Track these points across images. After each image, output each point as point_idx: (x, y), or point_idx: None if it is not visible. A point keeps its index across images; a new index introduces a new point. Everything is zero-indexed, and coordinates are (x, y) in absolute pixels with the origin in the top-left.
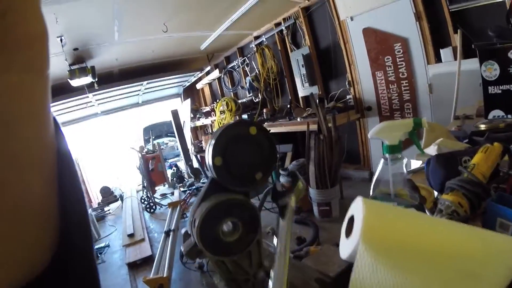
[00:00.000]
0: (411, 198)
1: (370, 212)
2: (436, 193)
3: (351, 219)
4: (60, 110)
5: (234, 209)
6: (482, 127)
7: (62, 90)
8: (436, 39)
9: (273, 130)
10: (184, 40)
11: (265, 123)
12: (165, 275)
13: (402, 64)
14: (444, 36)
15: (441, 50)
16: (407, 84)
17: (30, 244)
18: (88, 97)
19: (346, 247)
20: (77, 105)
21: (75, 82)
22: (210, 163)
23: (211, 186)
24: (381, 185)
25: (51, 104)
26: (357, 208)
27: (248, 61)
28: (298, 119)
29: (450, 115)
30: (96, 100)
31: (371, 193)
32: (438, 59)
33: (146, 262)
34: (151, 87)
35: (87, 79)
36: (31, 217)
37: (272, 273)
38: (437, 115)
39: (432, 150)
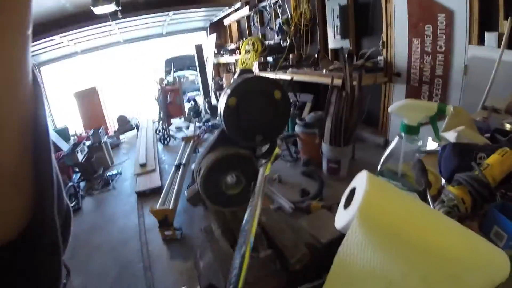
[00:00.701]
0: (417, 182)
1: (372, 190)
2: (443, 181)
3: (353, 191)
4: (82, 38)
5: (239, 163)
6: (508, 126)
7: (85, 18)
8: (483, 20)
9: (296, 77)
10: None
11: (290, 69)
12: (170, 207)
13: (442, 37)
14: (492, 19)
15: (486, 33)
16: (443, 59)
17: (4, 207)
18: (111, 25)
19: (341, 218)
20: (99, 33)
21: (98, 10)
22: (223, 104)
23: (220, 137)
24: (391, 161)
25: (74, 31)
26: (360, 181)
27: (281, 2)
28: (324, 71)
29: (479, 103)
30: (119, 29)
31: (379, 167)
32: (481, 42)
33: (155, 192)
34: (176, 19)
35: (111, 7)
36: (4, 179)
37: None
38: (466, 99)
39: (451, 136)
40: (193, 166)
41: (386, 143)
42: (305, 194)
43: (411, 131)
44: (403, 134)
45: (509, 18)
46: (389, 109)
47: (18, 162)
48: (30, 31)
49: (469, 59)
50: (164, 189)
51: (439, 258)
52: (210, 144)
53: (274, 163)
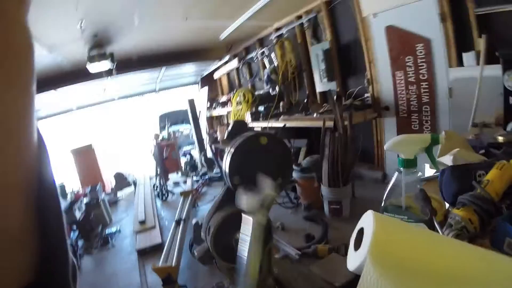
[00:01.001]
0: (422, 213)
1: (380, 228)
2: (447, 205)
3: (361, 231)
4: (77, 94)
5: None
6: (500, 139)
7: (80, 75)
8: (459, 42)
9: (288, 124)
10: (204, 30)
11: (281, 116)
12: (173, 265)
13: (423, 66)
14: (467, 40)
15: (463, 54)
16: (427, 86)
17: (8, 263)
18: (105, 82)
19: (354, 259)
20: (93, 90)
21: (93, 68)
22: (228, 180)
23: (226, 195)
24: (393, 196)
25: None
26: (367, 221)
27: (267, 53)
28: (315, 115)
29: (468, 122)
30: (113, 86)
31: (382, 203)
32: (460, 63)
33: (156, 249)
34: (168, 75)
35: (106, 65)
36: (10, 243)
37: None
38: (455, 120)
39: (448, 160)
40: (193, 221)
41: (385, 177)
42: (310, 238)
43: (409, 164)
44: (401, 168)
45: (483, 35)
46: (385, 147)
47: (22, 220)
48: (33, 87)
49: (451, 81)
50: (166, 245)
51: (456, 283)
52: (217, 202)
53: (276, 211)
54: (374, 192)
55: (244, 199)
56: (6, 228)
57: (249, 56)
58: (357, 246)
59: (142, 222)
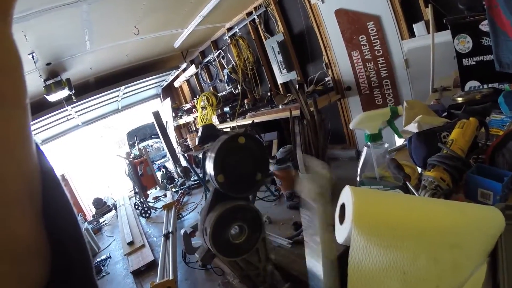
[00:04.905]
0: (395, 180)
1: (359, 199)
2: (419, 169)
3: (342, 207)
4: (40, 128)
5: (239, 213)
6: (459, 100)
7: (40, 107)
8: (408, 14)
9: (256, 119)
10: (157, 40)
11: (248, 113)
12: (171, 278)
13: (377, 42)
14: (415, 11)
15: (413, 25)
16: (384, 61)
17: (24, 274)
18: (67, 110)
19: (341, 233)
20: (56, 120)
21: (52, 97)
22: (214, 181)
23: (215, 196)
24: (367, 170)
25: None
26: (346, 196)
27: (223, 54)
28: (280, 106)
29: (428, 88)
30: (75, 112)
31: (358, 178)
32: (412, 34)
33: (150, 267)
34: (129, 91)
35: (64, 93)
36: (23, 253)
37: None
38: (416, 88)
39: (412, 128)
40: (182, 231)
41: (359, 154)
42: (298, 226)
43: (375, 138)
44: (369, 143)
45: (429, 4)
46: (350, 126)
47: (32, 228)
48: (27, 100)
49: (406, 53)
50: (160, 261)
51: (437, 235)
52: (208, 205)
53: (259, 206)
54: (351, 171)
55: (305, 187)
56: (17, 236)
57: (206, 59)
58: (342, 220)
59: (131, 243)
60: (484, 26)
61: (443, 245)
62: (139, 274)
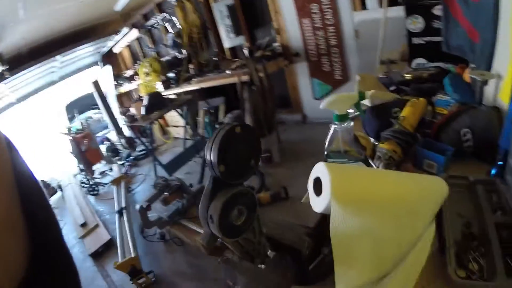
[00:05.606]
0: (358, 153)
1: (335, 176)
2: (372, 139)
3: (317, 180)
4: None
5: (239, 198)
6: (407, 76)
7: None
8: None
9: (203, 85)
10: (97, 3)
11: (193, 79)
12: (133, 255)
13: (328, 11)
14: None
15: None
16: (334, 30)
17: (4, 251)
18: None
19: (318, 203)
20: None
21: None
22: (216, 171)
23: (215, 184)
24: (333, 144)
25: None
26: (321, 172)
27: (168, 16)
28: (228, 72)
29: (375, 59)
30: (8, 89)
31: (325, 152)
32: (364, 7)
33: (108, 247)
34: (66, 60)
35: None
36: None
37: None
38: (364, 58)
39: (365, 101)
40: (137, 207)
41: (304, 118)
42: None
43: (343, 118)
44: (337, 122)
45: None
46: (321, 106)
47: (7, 210)
48: None
49: (357, 24)
50: (118, 239)
51: (398, 203)
52: (208, 193)
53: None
54: (298, 134)
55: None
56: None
57: (149, 23)
58: (318, 192)
59: (84, 225)
60: (437, 10)
61: (403, 211)
62: (97, 255)
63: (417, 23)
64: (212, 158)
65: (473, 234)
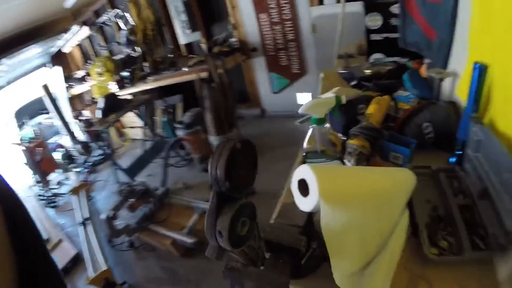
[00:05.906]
0: (334, 152)
1: (321, 178)
2: (340, 135)
3: (301, 181)
4: None
5: (244, 211)
6: (367, 72)
7: None
8: None
9: (161, 83)
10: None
11: (149, 77)
12: (105, 268)
13: (286, 6)
14: None
15: None
16: (291, 25)
17: None
18: None
19: (306, 203)
20: None
21: None
22: (222, 186)
23: (219, 198)
24: (310, 145)
25: None
26: (306, 173)
27: (121, 13)
28: (185, 69)
29: (333, 53)
30: None
31: (304, 153)
32: (321, 2)
33: (75, 262)
34: (12, 64)
35: None
36: None
37: None
38: (321, 53)
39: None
40: (102, 216)
41: (263, 112)
42: None
43: (321, 122)
44: (315, 125)
45: None
46: (300, 111)
47: None
48: None
49: (314, 19)
50: (85, 253)
51: (377, 196)
52: (214, 209)
53: (172, 173)
54: (257, 129)
55: None
56: None
57: (100, 20)
58: (305, 193)
59: (46, 241)
60: (395, 9)
61: (381, 203)
62: (66, 272)
63: (376, 21)
64: (219, 175)
65: (440, 216)
